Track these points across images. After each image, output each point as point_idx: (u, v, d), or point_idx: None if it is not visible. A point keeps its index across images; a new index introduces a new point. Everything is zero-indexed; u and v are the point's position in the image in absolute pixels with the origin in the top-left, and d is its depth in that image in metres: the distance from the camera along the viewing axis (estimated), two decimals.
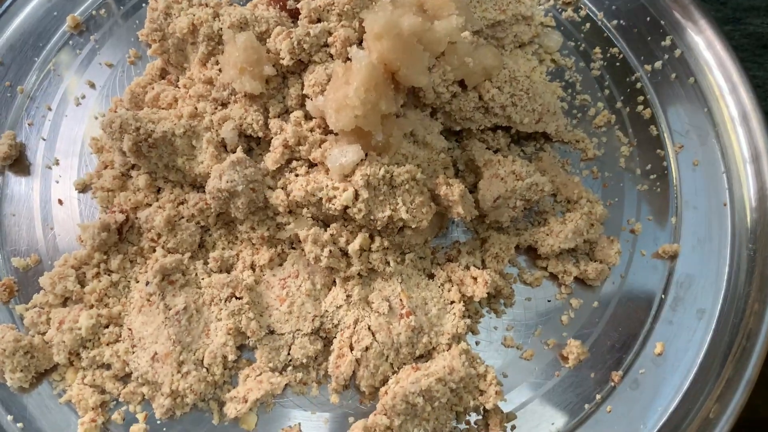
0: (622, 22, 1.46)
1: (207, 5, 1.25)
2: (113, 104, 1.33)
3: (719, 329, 1.18)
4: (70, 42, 1.43)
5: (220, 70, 1.21)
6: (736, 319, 1.18)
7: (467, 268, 1.18)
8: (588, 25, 1.46)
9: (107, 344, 1.13)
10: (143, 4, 1.45)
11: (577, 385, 1.15)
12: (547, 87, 1.31)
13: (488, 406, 1.07)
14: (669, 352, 1.17)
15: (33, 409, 1.12)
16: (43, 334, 1.14)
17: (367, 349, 1.10)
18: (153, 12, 1.27)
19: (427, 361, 1.11)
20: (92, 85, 1.39)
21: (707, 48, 1.41)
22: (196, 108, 1.20)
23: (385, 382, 1.11)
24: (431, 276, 1.20)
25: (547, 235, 1.22)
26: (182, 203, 1.20)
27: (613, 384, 1.15)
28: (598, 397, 1.14)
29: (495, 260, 1.20)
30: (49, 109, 1.36)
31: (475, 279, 1.15)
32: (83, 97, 1.37)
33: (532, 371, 1.16)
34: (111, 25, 1.45)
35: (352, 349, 1.11)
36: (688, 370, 1.15)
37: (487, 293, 1.14)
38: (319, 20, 1.19)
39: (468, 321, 1.14)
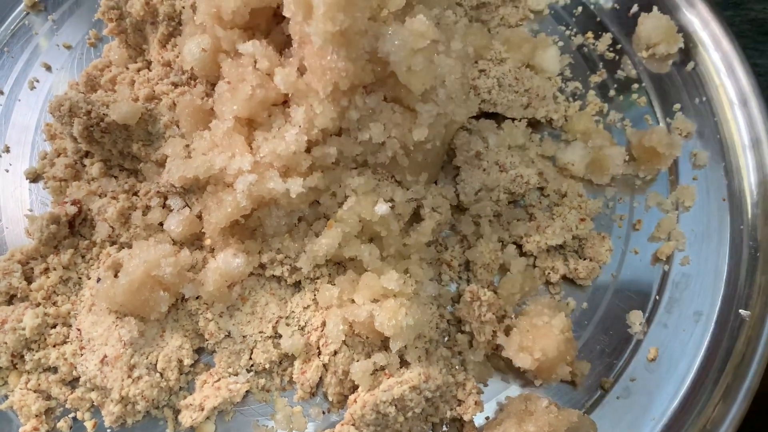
0: (615, 5, 1.37)
1: None
2: (69, 88, 1.23)
3: (717, 333, 1.10)
4: (26, 22, 1.33)
5: (179, 53, 1.12)
6: (735, 322, 1.10)
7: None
8: (579, 9, 1.37)
9: (54, 346, 1.05)
10: None
11: (563, 393, 1.07)
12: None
13: (466, 418, 0.99)
14: (663, 358, 1.09)
15: None
16: None
17: (335, 353, 1.01)
18: None
19: (401, 367, 1.02)
20: (48, 68, 1.29)
21: (704, 29, 1.32)
22: (153, 90, 1.11)
23: (354, 389, 1.02)
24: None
25: (534, 230, 1.13)
26: (137, 193, 1.11)
27: (602, 392, 1.06)
28: (586, 406, 1.06)
29: (485, 270, 1.11)
30: (1, 92, 1.27)
31: None
32: (38, 80, 1.28)
33: (514, 379, 1.07)
34: (71, 4, 1.36)
35: (319, 353, 1.03)
36: (683, 378, 1.07)
37: None
38: None
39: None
